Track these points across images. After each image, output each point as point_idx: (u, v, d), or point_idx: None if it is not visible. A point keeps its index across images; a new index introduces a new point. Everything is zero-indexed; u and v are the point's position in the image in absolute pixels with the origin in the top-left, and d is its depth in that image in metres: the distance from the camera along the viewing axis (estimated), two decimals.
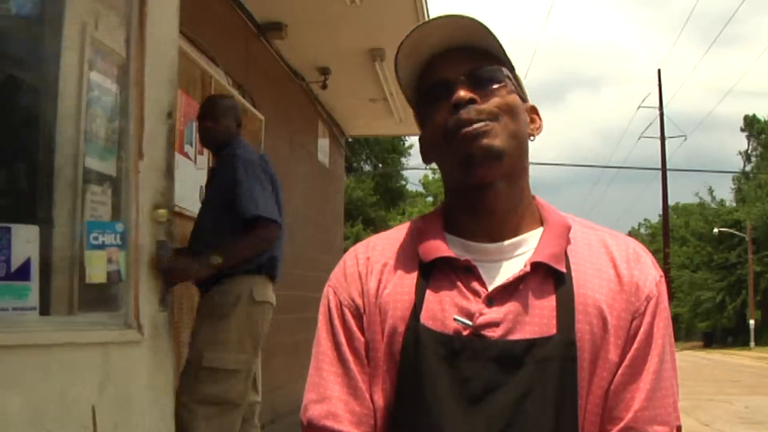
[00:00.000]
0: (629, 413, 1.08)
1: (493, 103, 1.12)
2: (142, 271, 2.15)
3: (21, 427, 1.84)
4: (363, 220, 23.48)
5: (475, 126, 1.09)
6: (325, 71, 6.58)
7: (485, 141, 1.09)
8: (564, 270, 1.11)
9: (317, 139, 7.69)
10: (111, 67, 2.74)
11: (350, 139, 11.30)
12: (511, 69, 1.17)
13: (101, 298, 2.31)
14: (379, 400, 1.13)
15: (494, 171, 1.11)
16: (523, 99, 1.19)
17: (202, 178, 4.24)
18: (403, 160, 28.18)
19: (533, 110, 1.21)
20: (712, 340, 38.34)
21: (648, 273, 1.14)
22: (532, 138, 1.19)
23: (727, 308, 34.86)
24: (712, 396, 11.72)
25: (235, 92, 4.83)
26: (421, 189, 36.09)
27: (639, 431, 1.08)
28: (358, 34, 5.77)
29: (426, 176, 34.72)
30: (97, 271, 2.15)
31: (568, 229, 1.17)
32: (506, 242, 1.14)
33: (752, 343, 30.82)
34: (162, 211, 2.18)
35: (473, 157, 1.10)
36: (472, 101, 1.10)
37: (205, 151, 4.32)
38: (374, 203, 25.63)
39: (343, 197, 9.97)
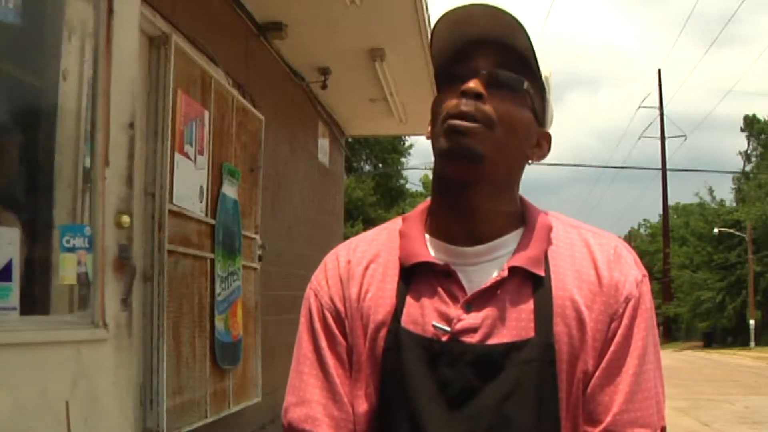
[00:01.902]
0: (608, 416, 1.07)
1: (496, 108, 1.08)
2: (107, 273, 2.27)
3: (8, 425, 1.89)
4: (363, 220, 23.47)
5: (465, 123, 1.07)
6: (325, 71, 6.58)
7: (466, 141, 1.07)
8: (542, 274, 1.10)
9: (317, 139, 7.69)
10: None
11: (350, 139, 11.29)
12: (539, 88, 1.13)
13: (74, 298, 2.43)
14: (363, 404, 1.13)
15: (469, 172, 1.09)
16: (540, 122, 1.14)
17: (202, 177, 4.24)
18: (403, 160, 28.18)
19: (545, 136, 1.17)
20: (712, 340, 38.29)
21: (628, 273, 1.12)
22: (530, 162, 1.16)
23: (727, 308, 34.80)
24: (712, 396, 11.74)
25: (235, 92, 4.83)
26: (421, 189, 36.08)
27: None
28: (358, 34, 5.77)
29: (426, 176, 34.67)
30: (68, 273, 2.25)
31: (549, 229, 1.15)
32: (486, 245, 1.13)
33: (752, 343, 30.81)
34: (125, 218, 2.30)
35: (452, 151, 1.08)
36: (478, 96, 1.07)
37: (206, 151, 4.32)
38: (374, 203, 25.64)
39: (343, 197, 9.97)
